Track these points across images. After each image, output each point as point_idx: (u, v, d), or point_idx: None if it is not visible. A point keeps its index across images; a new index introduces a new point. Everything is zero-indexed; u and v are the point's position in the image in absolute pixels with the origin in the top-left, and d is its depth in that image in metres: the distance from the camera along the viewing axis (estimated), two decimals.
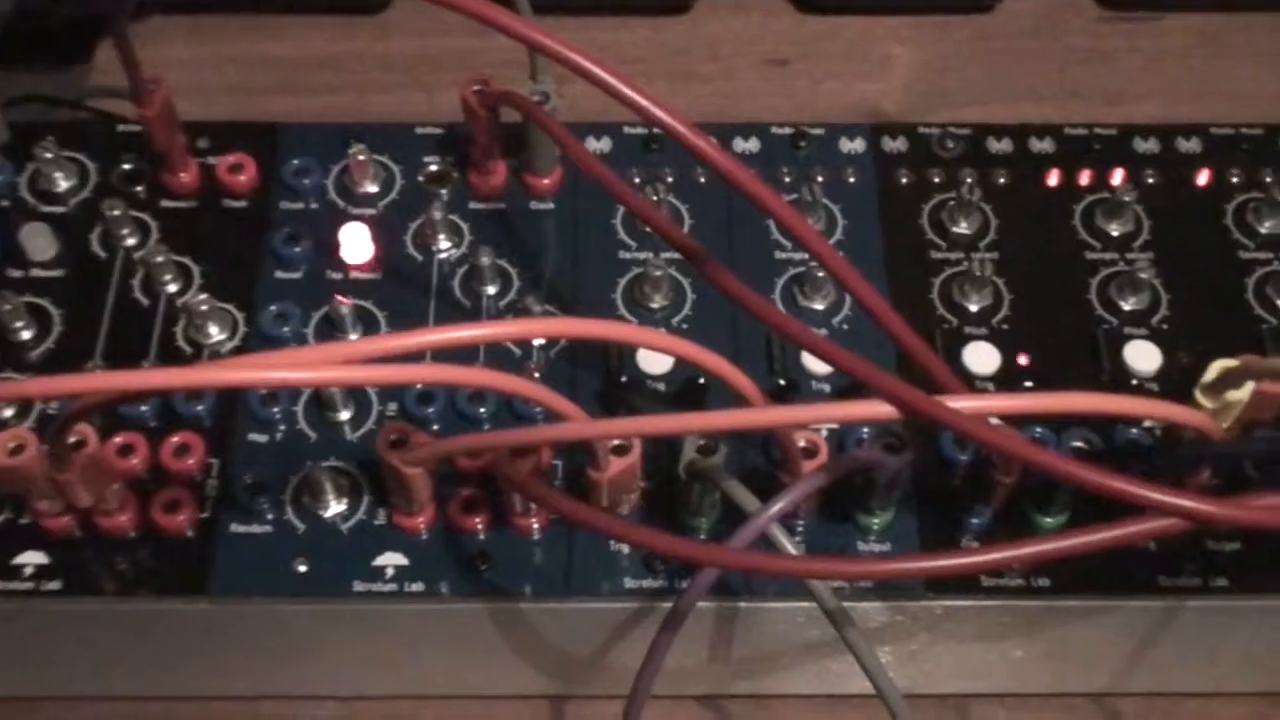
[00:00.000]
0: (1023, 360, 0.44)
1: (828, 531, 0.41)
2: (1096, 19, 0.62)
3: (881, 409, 0.30)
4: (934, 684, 0.45)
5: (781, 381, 0.42)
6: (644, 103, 0.31)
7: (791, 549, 0.35)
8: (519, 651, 0.43)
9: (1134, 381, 0.43)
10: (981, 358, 0.44)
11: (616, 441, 0.38)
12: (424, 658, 0.43)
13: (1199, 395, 0.36)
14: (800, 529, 0.41)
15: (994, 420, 0.33)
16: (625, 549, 0.40)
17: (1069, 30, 0.62)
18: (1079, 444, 0.41)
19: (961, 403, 0.30)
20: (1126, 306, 0.45)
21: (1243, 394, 0.35)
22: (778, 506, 0.35)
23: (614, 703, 0.39)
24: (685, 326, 0.44)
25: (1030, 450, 0.29)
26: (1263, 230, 0.46)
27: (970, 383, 0.43)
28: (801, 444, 0.38)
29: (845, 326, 0.44)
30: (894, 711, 0.36)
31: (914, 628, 0.42)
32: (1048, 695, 0.46)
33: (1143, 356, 0.44)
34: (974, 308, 0.45)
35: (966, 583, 0.40)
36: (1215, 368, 0.35)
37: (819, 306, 0.45)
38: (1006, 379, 0.44)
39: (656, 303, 0.45)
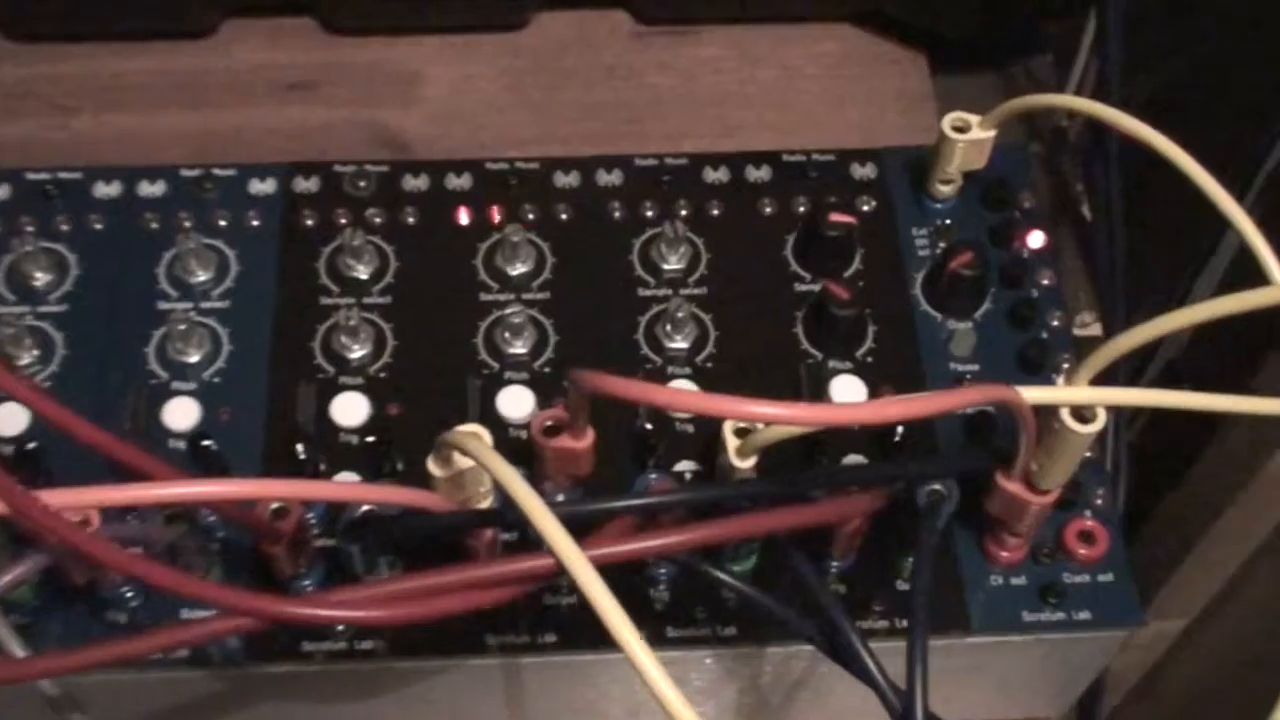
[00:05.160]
0: (394, 410, 0.43)
1: None
2: (630, 34, 0.61)
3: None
4: None
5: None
6: None
7: (19, 651, 0.34)
8: None
9: (508, 429, 0.42)
10: (350, 409, 0.43)
11: None
12: None
13: (429, 464, 0.35)
14: None
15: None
16: None
17: (602, 47, 0.60)
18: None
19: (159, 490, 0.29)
20: (510, 351, 0.44)
21: (470, 460, 0.34)
22: None
23: None
24: (50, 383, 0.43)
25: (90, 544, 0.28)
26: (666, 267, 0.45)
27: (336, 435, 0.42)
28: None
29: (217, 380, 0.43)
30: None
31: (254, 696, 0.41)
32: None
33: (516, 402, 0.43)
34: (353, 356, 0.43)
35: (285, 649, 0.39)
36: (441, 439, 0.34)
37: (193, 359, 0.43)
38: (376, 430, 0.42)
39: (26, 359, 0.43)
